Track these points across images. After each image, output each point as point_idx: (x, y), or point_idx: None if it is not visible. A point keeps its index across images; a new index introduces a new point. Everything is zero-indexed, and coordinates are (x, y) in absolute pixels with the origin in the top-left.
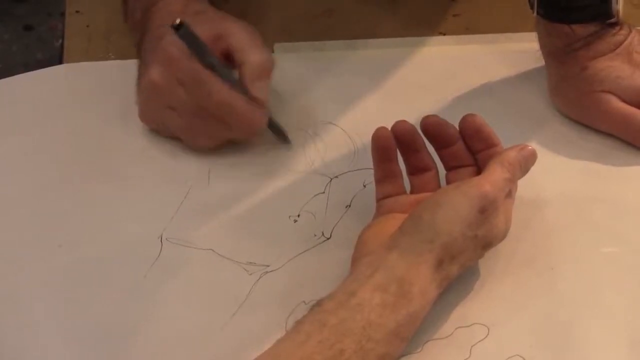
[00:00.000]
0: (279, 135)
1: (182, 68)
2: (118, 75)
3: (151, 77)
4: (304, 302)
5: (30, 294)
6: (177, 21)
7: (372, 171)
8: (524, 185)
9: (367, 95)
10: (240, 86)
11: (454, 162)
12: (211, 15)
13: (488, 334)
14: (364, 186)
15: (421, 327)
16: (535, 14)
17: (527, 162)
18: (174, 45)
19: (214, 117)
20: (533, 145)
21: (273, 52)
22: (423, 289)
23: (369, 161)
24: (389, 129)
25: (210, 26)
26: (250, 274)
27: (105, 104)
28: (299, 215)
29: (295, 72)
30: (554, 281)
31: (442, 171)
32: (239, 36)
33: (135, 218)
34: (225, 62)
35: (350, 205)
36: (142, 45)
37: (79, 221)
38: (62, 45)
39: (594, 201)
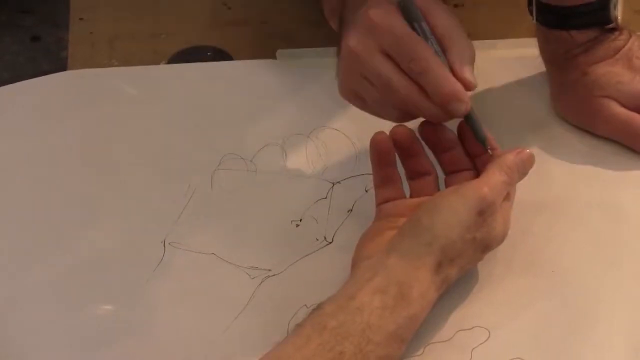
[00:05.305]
0: (475, 133)
1: (387, 32)
2: (121, 81)
3: (349, 44)
4: (305, 305)
5: (33, 297)
6: None
7: None
8: (524, 189)
9: None
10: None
11: (452, 167)
12: None
13: (489, 337)
14: (366, 191)
15: (422, 330)
16: (534, 20)
17: (525, 165)
18: (379, 12)
19: (412, 87)
20: (534, 150)
21: (276, 58)
22: (422, 292)
23: (370, 166)
24: (388, 133)
25: (418, 3)
26: (253, 278)
27: (108, 110)
28: (301, 220)
29: (298, 78)
30: (554, 284)
31: (441, 175)
32: (447, 21)
33: (138, 222)
34: None
35: (352, 210)
36: (343, 24)
37: (82, 225)
38: (67, 55)
39: (594, 205)
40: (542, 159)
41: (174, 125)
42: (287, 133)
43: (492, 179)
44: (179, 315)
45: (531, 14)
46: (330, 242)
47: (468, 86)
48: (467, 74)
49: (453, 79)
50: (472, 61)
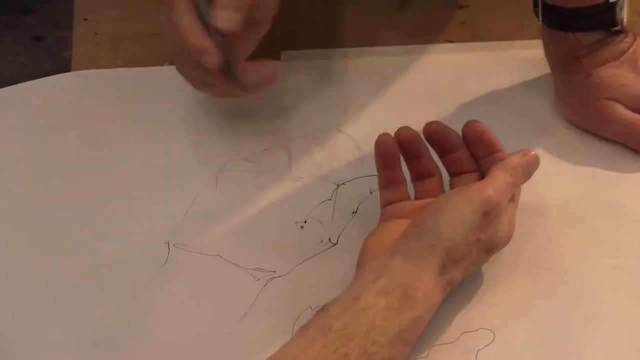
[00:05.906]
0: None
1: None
2: (125, 82)
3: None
4: (310, 307)
5: (37, 298)
6: None
7: None
8: (528, 191)
9: (374, 103)
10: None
11: (457, 168)
12: None
13: (494, 339)
14: (371, 193)
15: (427, 332)
16: (539, 22)
17: (530, 167)
18: None
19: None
20: (538, 151)
21: (280, 59)
22: (427, 293)
23: (375, 168)
24: (393, 135)
25: None
26: (257, 280)
27: (112, 112)
28: (305, 222)
29: (303, 80)
30: (559, 286)
31: (446, 177)
32: None
33: (142, 224)
34: None
35: (356, 212)
36: None
37: (86, 226)
38: (71, 56)
39: (598, 207)
40: (546, 160)
41: (178, 126)
42: (292, 134)
43: (497, 180)
44: (184, 317)
45: (537, 15)
46: (335, 244)
47: (220, 30)
48: (215, 19)
49: (194, 33)
50: (230, 4)
